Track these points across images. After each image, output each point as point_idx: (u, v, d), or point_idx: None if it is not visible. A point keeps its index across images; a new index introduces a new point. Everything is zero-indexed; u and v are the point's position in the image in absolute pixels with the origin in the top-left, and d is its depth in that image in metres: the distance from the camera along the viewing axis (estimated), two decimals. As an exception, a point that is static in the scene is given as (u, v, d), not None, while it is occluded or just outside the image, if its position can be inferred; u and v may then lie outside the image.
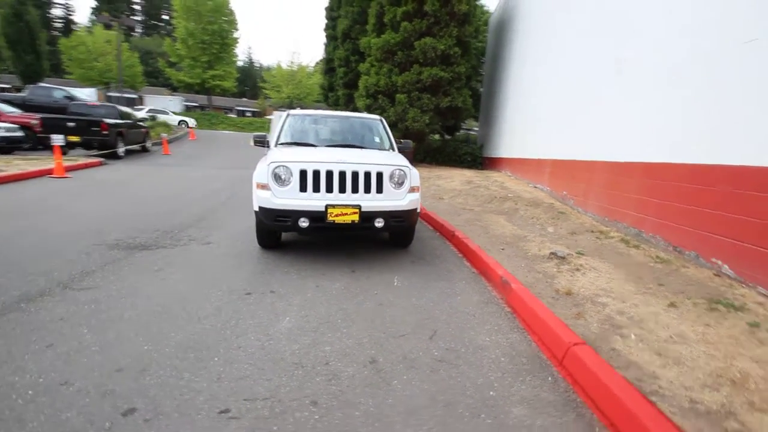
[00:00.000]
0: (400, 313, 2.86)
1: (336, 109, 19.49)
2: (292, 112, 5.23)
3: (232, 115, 43.80)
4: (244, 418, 1.72)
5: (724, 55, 3.65)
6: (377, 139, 5.07)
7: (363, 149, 4.71)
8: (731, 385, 1.99)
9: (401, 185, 3.96)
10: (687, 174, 3.92)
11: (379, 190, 3.86)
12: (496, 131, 13.02)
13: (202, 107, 47.44)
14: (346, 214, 3.70)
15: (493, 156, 13.08)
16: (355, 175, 3.80)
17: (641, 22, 4.99)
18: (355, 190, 3.79)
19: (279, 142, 4.78)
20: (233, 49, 36.10)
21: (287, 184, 3.76)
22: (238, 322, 2.62)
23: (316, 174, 3.75)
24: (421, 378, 2.05)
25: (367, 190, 3.82)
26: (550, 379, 2.10)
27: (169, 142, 16.93)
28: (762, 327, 2.55)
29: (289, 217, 3.70)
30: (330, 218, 3.68)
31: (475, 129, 19.97)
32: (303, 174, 3.75)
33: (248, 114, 51.80)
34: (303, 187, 3.75)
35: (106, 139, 11.53)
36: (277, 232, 4.24)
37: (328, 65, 20.36)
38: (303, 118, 5.17)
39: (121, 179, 8.63)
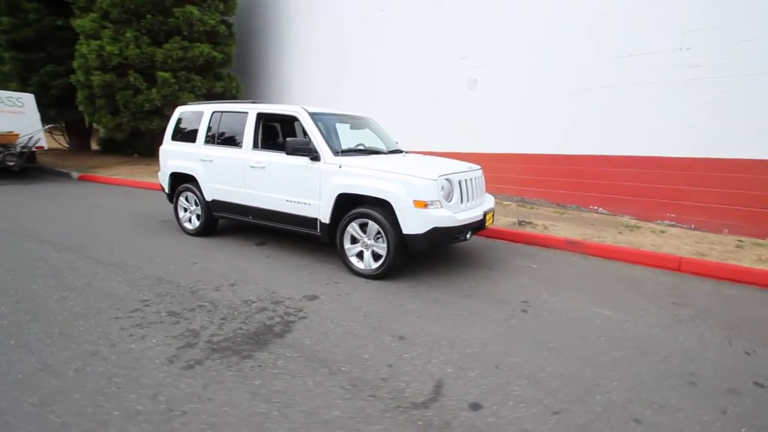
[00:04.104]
0: (616, 283, 3.88)
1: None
2: (311, 109, 4.14)
3: None
4: None
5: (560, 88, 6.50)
6: (395, 141, 4.96)
7: (408, 153, 4.66)
8: (704, 253, 4.56)
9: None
10: (558, 159, 6.68)
11: (483, 192, 4.30)
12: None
13: None
14: (490, 218, 3.98)
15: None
16: (478, 180, 4.06)
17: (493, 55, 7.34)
18: (479, 195, 4.08)
19: (338, 151, 3.90)
20: None
21: (452, 198, 3.57)
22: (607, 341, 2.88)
23: (467, 183, 3.76)
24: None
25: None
26: (692, 276, 3.99)
27: None
28: (657, 230, 5.47)
29: (463, 231, 3.60)
30: (487, 224, 3.86)
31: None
32: (460, 185, 3.67)
33: None
34: (461, 199, 3.68)
35: None
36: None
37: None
38: (328, 119, 4.24)
39: None
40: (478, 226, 3.79)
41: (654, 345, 2.67)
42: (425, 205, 3.39)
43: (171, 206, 5.43)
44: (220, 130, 4.68)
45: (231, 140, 4.57)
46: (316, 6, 10.60)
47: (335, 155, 3.85)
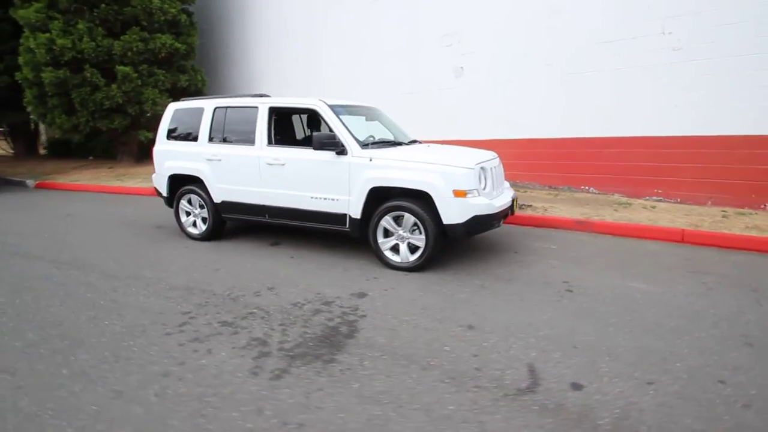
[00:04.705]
0: (635, 258, 4.09)
1: None
2: (329, 101, 3.99)
3: None
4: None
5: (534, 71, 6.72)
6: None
7: (430, 144, 4.65)
8: (697, 224, 4.93)
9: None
10: (549, 143, 6.92)
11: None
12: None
13: None
14: (516, 204, 4.07)
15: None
16: (500, 167, 4.13)
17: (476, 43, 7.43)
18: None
19: (365, 144, 3.82)
20: None
21: (486, 186, 3.61)
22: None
23: (493, 171, 3.81)
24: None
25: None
26: (697, 247, 4.31)
27: None
28: (648, 206, 5.83)
29: (498, 218, 3.67)
30: (515, 210, 3.95)
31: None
32: (491, 172, 3.72)
33: None
34: (492, 186, 3.73)
35: None
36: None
37: None
38: (343, 109, 4.11)
39: None
40: (507, 213, 3.87)
41: (698, 313, 2.87)
42: (465, 194, 3.41)
43: (161, 211, 5.12)
44: (227, 127, 4.42)
45: (240, 137, 4.33)
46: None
47: (363, 148, 3.77)
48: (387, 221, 3.68)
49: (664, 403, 1.94)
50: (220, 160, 4.39)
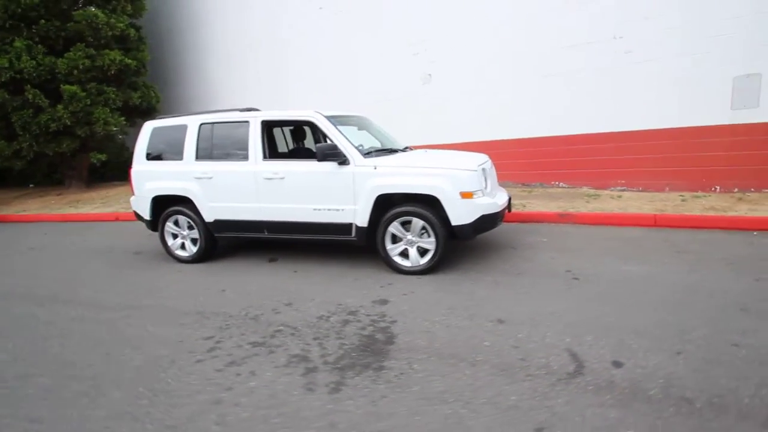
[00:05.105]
0: (622, 244, 4.40)
1: None
2: (326, 112, 3.98)
3: None
4: None
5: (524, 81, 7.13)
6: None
7: (416, 148, 4.74)
8: (661, 209, 5.41)
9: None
10: (520, 143, 7.30)
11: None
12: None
13: None
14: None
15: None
16: (493, 168, 4.32)
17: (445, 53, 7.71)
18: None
19: (366, 153, 3.86)
20: None
21: (487, 187, 3.76)
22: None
23: (489, 172, 3.98)
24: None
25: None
26: (669, 229, 4.74)
27: None
28: (615, 196, 6.31)
29: (501, 216, 3.83)
30: (511, 208, 4.13)
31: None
32: (489, 173, 3.88)
33: None
34: (491, 187, 3.89)
35: None
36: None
37: None
38: (336, 120, 4.11)
39: None
40: (504, 213, 4.05)
41: (691, 287, 3.17)
42: (471, 195, 3.54)
43: (134, 235, 4.85)
44: (215, 144, 4.26)
45: (232, 153, 4.20)
46: (249, 2, 9.95)
47: (365, 157, 3.80)
48: (395, 227, 3.73)
49: (697, 368, 2.14)
50: (210, 177, 4.23)
